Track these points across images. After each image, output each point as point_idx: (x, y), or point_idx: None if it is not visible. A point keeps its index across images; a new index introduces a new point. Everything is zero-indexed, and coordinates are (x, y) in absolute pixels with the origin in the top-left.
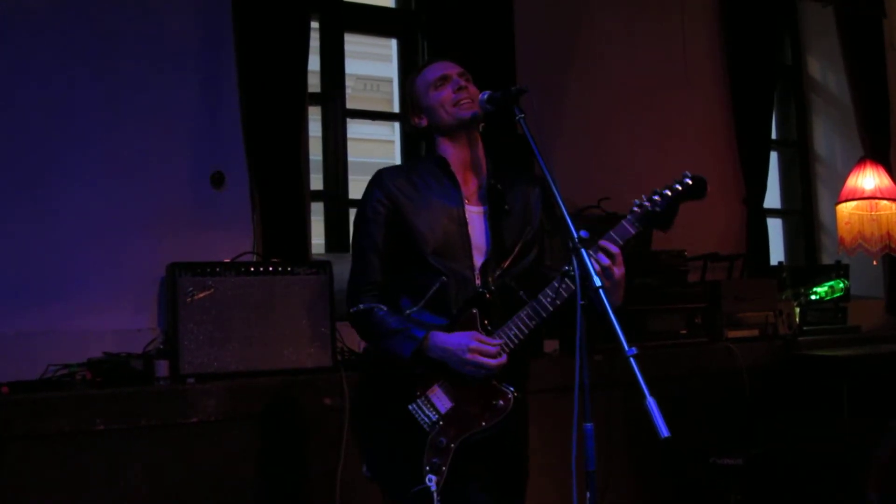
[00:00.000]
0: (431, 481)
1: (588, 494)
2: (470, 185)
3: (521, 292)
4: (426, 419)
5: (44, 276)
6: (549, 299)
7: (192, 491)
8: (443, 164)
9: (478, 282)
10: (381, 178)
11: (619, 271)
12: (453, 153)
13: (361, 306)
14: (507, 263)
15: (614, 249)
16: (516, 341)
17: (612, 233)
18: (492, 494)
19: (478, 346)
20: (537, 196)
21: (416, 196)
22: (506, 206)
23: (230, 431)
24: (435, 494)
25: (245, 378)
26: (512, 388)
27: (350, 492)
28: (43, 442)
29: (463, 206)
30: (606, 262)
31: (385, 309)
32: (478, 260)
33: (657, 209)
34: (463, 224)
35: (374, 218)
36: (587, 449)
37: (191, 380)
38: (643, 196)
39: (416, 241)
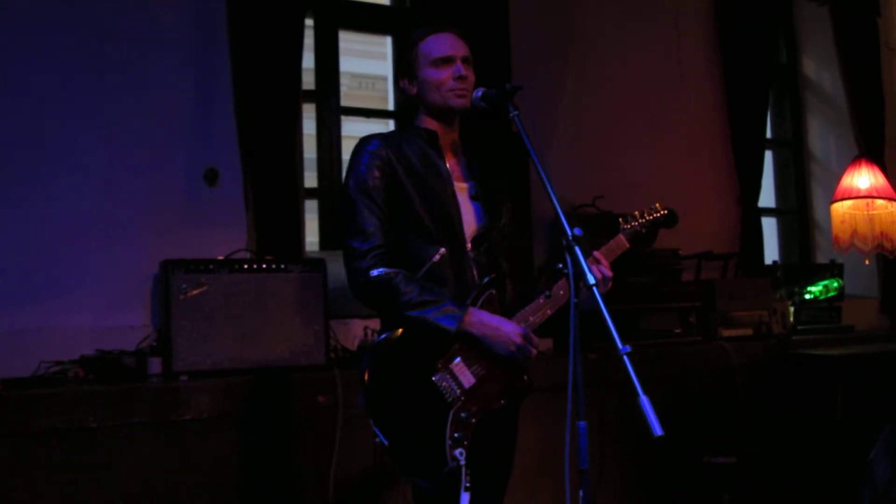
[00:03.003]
0: (462, 455)
1: (581, 492)
2: (451, 162)
3: (508, 267)
4: (450, 392)
5: (36, 272)
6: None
7: (185, 488)
8: (432, 138)
9: (471, 255)
10: (375, 144)
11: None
12: (437, 130)
13: (383, 270)
14: (493, 238)
15: (604, 260)
16: (536, 327)
17: (611, 244)
18: (478, 475)
19: (529, 334)
20: (504, 182)
21: (410, 167)
22: (490, 185)
23: (223, 429)
24: (464, 469)
25: (238, 375)
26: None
27: (343, 488)
28: (35, 439)
29: (452, 182)
30: (608, 273)
31: (406, 274)
32: (468, 233)
33: (644, 231)
34: (453, 197)
35: (374, 183)
36: (580, 447)
37: (184, 377)
38: (628, 216)
39: (415, 210)
